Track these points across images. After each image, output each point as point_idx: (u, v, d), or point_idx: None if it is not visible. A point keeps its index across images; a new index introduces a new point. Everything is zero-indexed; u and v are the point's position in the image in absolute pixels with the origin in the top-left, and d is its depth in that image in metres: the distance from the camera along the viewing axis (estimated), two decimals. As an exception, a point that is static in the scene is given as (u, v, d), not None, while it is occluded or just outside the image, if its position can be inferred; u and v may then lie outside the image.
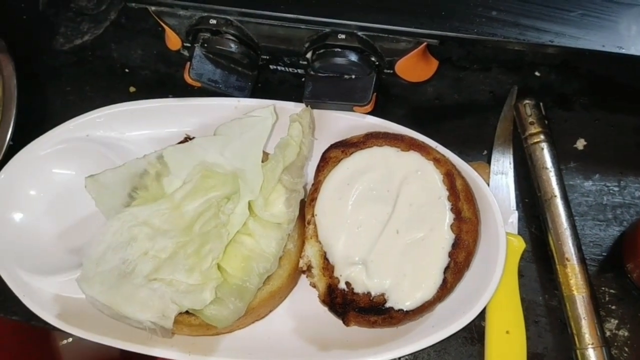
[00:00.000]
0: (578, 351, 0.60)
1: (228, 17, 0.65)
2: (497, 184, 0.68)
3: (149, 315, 0.56)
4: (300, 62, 0.68)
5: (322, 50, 0.65)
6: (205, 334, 0.62)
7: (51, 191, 0.69)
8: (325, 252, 0.61)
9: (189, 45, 0.70)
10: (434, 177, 0.61)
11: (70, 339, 1.24)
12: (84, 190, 0.64)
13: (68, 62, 0.81)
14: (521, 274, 0.65)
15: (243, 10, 0.64)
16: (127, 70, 0.79)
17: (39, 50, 0.82)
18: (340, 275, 0.59)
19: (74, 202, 0.67)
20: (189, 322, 0.59)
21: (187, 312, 0.58)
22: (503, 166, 0.68)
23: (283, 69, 0.72)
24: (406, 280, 0.58)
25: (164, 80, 0.77)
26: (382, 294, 0.58)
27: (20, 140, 0.71)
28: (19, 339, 1.24)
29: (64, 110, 0.73)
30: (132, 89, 0.78)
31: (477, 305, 0.59)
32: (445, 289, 0.58)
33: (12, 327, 1.23)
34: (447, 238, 0.59)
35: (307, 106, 0.66)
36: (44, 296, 0.65)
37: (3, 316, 0.70)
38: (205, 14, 0.65)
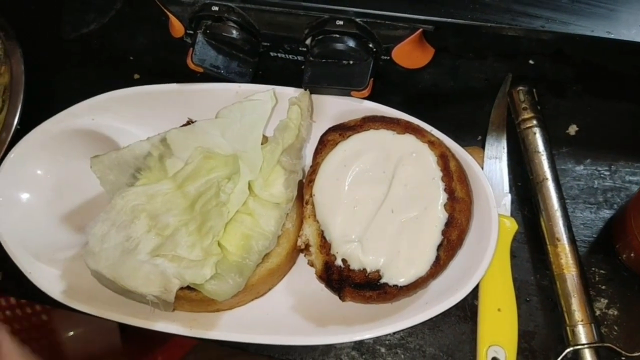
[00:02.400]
0: (568, 328, 0.61)
1: (230, 4, 0.67)
2: (491, 168, 0.69)
3: (152, 289, 0.58)
4: (300, 48, 0.70)
5: (320, 37, 0.67)
6: (206, 310, 0.64)
7: (57, 172, 0.71)
8: (322, 231, 0.63)
9: (191, 32, 0.72)
10: (429, 159, 0.63)
11: (73, 332, 1.26)
12: (89, 171, 0.66)
13: (74, 50, 0.83)
14: (513, 255, 0.66)
15: (244, -4, 0.66)
16: (131, 57, 0.81)
17: (46, 38, 0.84)
18: (337, 253, 0.61)
19: (80, 183, 0.69)
20: (190, 297, 0.61)
21: (188, 287, 0.60)
22: (497, 151, 0.70)
23: (283, 56, 0.74)
24: (400, 257, 0.59)
25: (167, 67, 0.79)
26: (377, 271, 0.60)
27: (28, 124, 0.73)
28: (22, 331, 1.26)
29: (70, 96, 0.74)
30: (136, 76, 0.80)
31: (469, 282, 0.61)
32: (438, 266, 0.59)
33: (15, 319, 1.25)
34: (440, 217, 0.60)
35: (305, 90, 0.68)
36: (49, 274, 0.67)
37: (9, 295, 0.72)
38: (208, 1, 0.67)
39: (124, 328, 1.24)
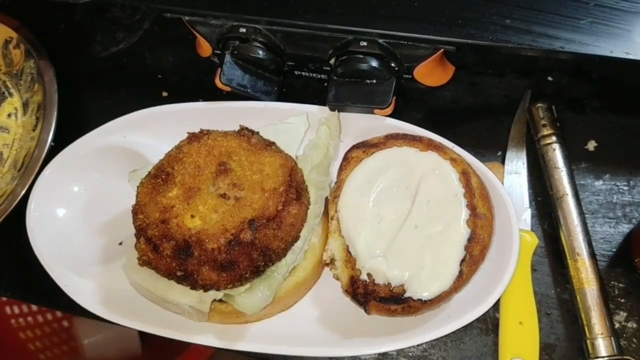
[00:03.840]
0: (588, 341, 0.63)
1: (257, 26, 0.69)
2: (511, 183, 0.71)
3: (188, 300, 0.61)
4: (324, 68, 0.73)
5: (344, 57, 0.69)
6: (235, 322, 0.66)
7: (91, 188, 0.74)
8: (347, 246, 0.64)
9: (219, 52, 0.74)
10: (451, 176, 0.64)
11: (93, 338, 1.29)
12: (122, 186, 0.69)
13: (105, 68, 0.86)
14: (534, 269, 0.68)
15: (271, 19, 0.68)
16: (160, 76, 0.84)
17: (77, 58, 0.87)
18: (362, 267, 0.63)
19: (113, 198, 0.72)
20: (220, 309, 0.63)
21: (219, 300, 0.62)
22: (517, 166, 0.72)
23: (307, 74, 0.76)
24: (424, 271, 0.61)
25: (195, 85, 0.82)
26: (402, 285, 0.61)
27: (61, 142, 0.76)
28: (43, 337, 1.29)
29: (101, 114, 0.77)
30: (164, 94, 0.83)
31: (491, 296, 0.62)
32: (461, 280, 0.61)
33: (36, 325, 1.28)
34: (463, 232, 0.62)
35: (330, 110, 0.70)
36: (84, 287, 0.69)
37: (44, 307, 0.74)
38: (236, 23, 0.70)
39: (143, 335, 1.27)
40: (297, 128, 0.69)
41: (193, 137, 0.65)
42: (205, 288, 0.60)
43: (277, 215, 0.60)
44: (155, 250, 0.59)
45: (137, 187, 0.63)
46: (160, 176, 0.63)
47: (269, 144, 0.65)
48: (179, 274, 0.59)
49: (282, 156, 0.64)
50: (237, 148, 0.64)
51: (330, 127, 0.68)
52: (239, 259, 0.58)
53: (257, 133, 0.66)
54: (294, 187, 0.62)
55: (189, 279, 0.59)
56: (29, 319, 1.27)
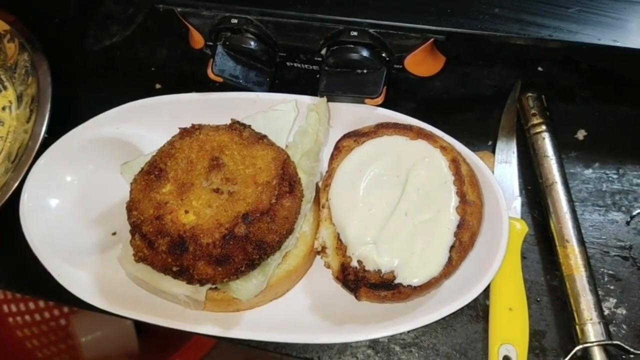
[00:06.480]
0: (577, 327, 0.63)
1: (248, 16, 0.70)
2: (502, 172, 0.72)
3: (183, 290, 0.61)
4: (315, 58, 0.73)
5: (335, 47, 0.69)
6: (226, 310, 0.66)
7: (85, 178, 0.74)
8: (338, 234, 0.65)
9: (211, 43, 0.75)
10: (441, 164, 0.65)
11: (90, 336, 1.29)
12: (115, 177, 0.69)
13: (98, 61, 0.86)
14: (524, 256, 0.68)
15: (263, 10, 0.69)
16: (153, 68, 0.85)
17: (71, 51, 0.87)
18: (353, 254, 0.63)
19: (106, 189, 0.72)
20: (212, 297, 0.63)
21: (214, 287, 0.62)
22: (507, 155, 0.72)
23: (299, 65, 0.76)
24: (414, 258, 0.62)
25: (188, 77, 0.82)
26: (392, 271, 0.62)
27: (55, 134, 0.76)
28: (41, 335, 1.29)
29: (94, 106, 0.77)
30: (157, 86, 0.83)
31: (481, 283, 0.63)
32: (450, 266, 0.62)
33: (34, 323, 1.28)
34: (452, 219, 0.62)
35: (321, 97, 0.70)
36: (77, 277, 0.70)
37: (39, 298, 0.74)
38: (227, 14, 0.70)
39: (140, 332, 1.27)
40: (287, 115, 0.70)
41: (185, 132, 0.66)
42: (202, 282, 0.60)
43: (271, 209, 0.61)
44: (150, 247, 0.60)
45: (131, 183, 0.64)
46: (153, 172, 0.63)
47: (261, 138, 0.66)
48: (174, 269, 0.59)
49: (274, 149, 0.64)
50: (229, 142, 0.64)
51: (319, 112, 0.68)
52: (234, 253, 0.59)
53: (249, 127, 0.67)
54: (287, 180, 0.62)
55: (185, 274, 0.59)
56: (27, 317, 1.28)
